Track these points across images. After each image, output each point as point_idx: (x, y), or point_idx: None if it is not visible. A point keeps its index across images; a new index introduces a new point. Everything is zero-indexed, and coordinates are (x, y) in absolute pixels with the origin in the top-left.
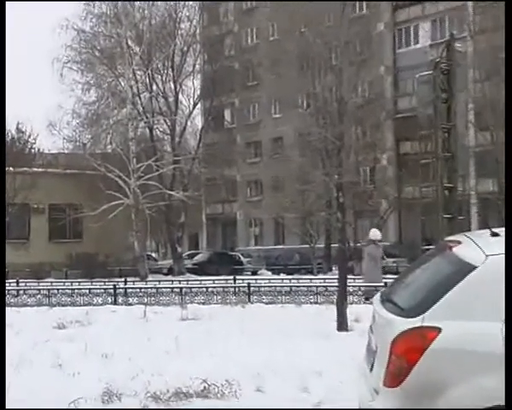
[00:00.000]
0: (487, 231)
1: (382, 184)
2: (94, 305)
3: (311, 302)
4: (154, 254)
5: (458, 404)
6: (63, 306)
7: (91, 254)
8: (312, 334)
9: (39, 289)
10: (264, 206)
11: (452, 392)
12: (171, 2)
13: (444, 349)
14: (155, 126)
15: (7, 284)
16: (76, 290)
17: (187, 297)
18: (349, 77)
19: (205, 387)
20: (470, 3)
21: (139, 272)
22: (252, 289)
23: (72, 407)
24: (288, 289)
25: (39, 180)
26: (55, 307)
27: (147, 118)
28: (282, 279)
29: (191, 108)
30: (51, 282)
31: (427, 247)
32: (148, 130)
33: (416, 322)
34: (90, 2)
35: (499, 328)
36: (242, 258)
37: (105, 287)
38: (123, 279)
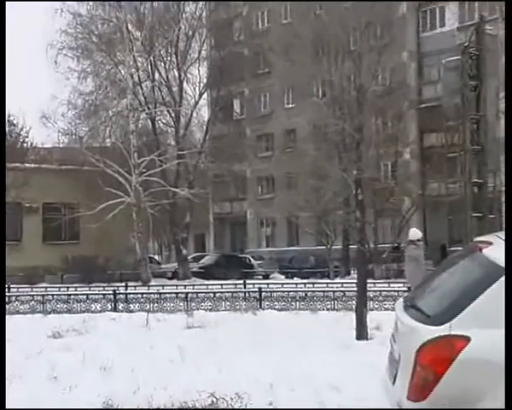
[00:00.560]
0: None
1: (405, 180)
2: (92, 312)
3: (327, 309)
4: (156, 257)
5: None
6: (59, 313)
7: (89, 257)
8: (329, 343)
9: (33, 295)
10: (277, 204)
11: (482, 406)
12: None
13: (473, 360)
14: (158, 118)
15: None
16: (72, 296)
17: (193, 303)
18: (369, 63)
19: (213, 401)
20: None
21: (141, 277)
22: (263, 294)
23: None
24: (303, 294)
25: (32, 177)
26: (49, 315)
27: (149, 109)
28: (296, 284)
29: (197, 97)
30: (46, 287)
31: (454, 248)
32: (150, 122)
33: (442, 330)
34: None
35: None
36: (253, 261)
37: (104, 292)
38: (123, 284)
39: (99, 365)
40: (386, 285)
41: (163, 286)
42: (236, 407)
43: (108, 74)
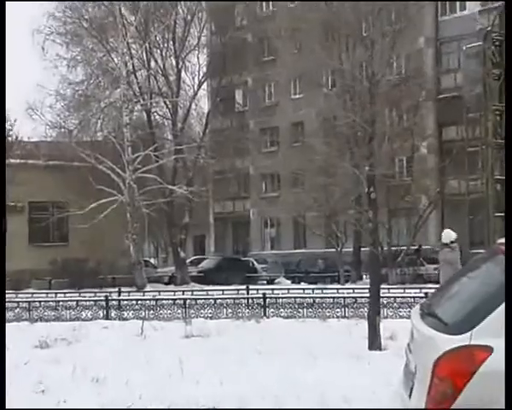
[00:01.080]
0: None
1: (422, 176)
2: (82, 320)
3: (337, 316)
4: (152, 261)
5: None
6: (46, 321)
7: (79, 261)
8: (339, 354)
9: (18, 302)
10: (282, 203)
11: None
12: None
13: (496, 373)
14: (154, 110)
15: None
16: (61, 303)
17: (191, 311)
18: (382, 50)
19: None
20: None
21: (135, 282)
22: (268, 300)
23: None
24: (311, 300)
25: (17, 174)
26: (36, 323)
27: (144, 100)
28: (304, 289)
29: (196, 88)
30: (32, 293)
31: (475, 251)
32: (145, 114)
33: (462, 340)
34: None
35: None
36: (256, 264)
37: (95, 299)
38: (116, 290)
39: (90, 377)
40: (402, 291)
41: (159, 292)
42: None
43: (100, 62)
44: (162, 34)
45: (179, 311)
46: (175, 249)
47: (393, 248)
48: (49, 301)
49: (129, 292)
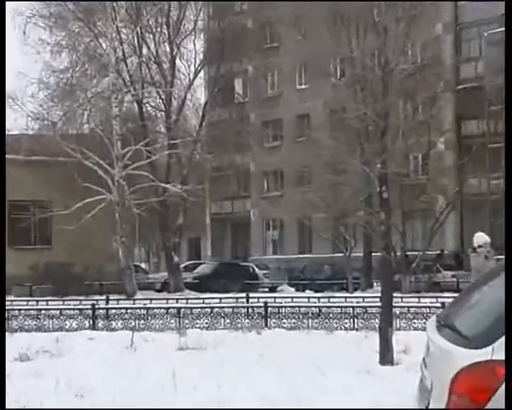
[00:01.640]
0: None
1: (439, 175)
2: (67, 330)
3: (345, 328)
4: (143, 266)
5: None
6: (27, 331)
7: (63, 265)
8: (348, 369)
9: None
10: (286, 203)
11: None
12: None
13: None
14: (146, 100)
15: None
16: (43, 311)
17: (186, 321)
18: (396, 37)
19: None
20: None
21: (125, 289)
22: (269, 310)
23: None
24: (317, 310)
25: None
26: (16, 333)
27: (135, 89)
28: (309, 298)
29: (192, 76)
30: (11, 300)
31: (497, 257)
32: (136, 105)
33: (483, 354)
34: None
35: None
36: (257, 270)
37: (81, 307)
38: (104, 297)
39: (74, 393)
40: (416, 300)
41: (151, 300)
42: None
43: (87, 48)
44: (155, 18)
45: (172, 321)
46: (168, 253)
47: (408, 254)
48: (30, 310)
49: (118, 300)
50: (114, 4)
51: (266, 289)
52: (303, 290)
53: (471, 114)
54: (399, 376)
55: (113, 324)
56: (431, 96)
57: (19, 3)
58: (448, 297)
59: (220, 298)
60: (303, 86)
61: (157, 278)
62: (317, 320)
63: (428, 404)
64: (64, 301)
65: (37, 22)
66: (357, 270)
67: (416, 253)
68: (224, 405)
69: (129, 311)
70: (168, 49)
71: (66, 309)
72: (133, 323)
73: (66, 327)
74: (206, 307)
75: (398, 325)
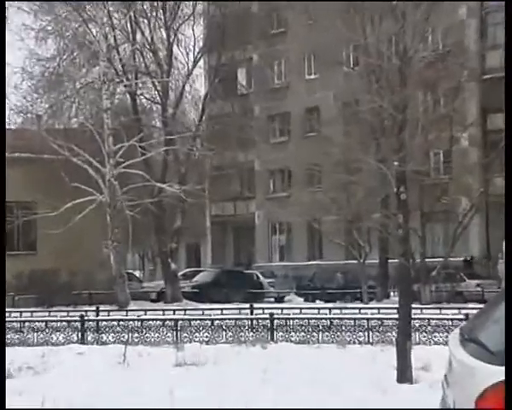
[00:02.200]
0: None
1: (462, 173)
2: (53, 344)
3: (359, 342)
4: (137, 273)
5: None
6: (9, 346)
7: (49, 272)
8: (363, 387)
9: None
10: (294, 205)
11: None
12: None
13: None
14: (140, 92)
15: None
16: (27, 324)
17: (184, 334)
18: (415, 22)
19: None
20: None
21: (117, 298)
22: (276, 322)
23: None
24: (328, 322)
25: None
26: None
27: (128, 80)
28: (319, 309)
29: (190, 66)
30: None
31: None
32: (129, 97)
33: None
34: None
35: None
36: (262, 278)
37: (69, 319)
38: (94, 308)
39: None
40: (437, 312)
41: (145, 311)
42: None
43: (75, 34)
44: (150, 1)
45: (169, 334)
46: (164, 260)
47: (428, 260)
48: (12, 322)
49: (109, 311)
50: None
51: (272, 300)
52: (312, 301)
53: (498, 106)
54: (419, 395)
55: (104, 337)
56: (453, 86)
57: None
58: (472, 308)
59: (221, 309)
60: (312, 76)
61: (152, 287)
62: (327, 333)
63: None
64: (50, 312)
65: (21, 6)
66: (373, 278)
67: (437, 259)
68: None
69: (121, 323)
70: (164, 35)
71: (52, 321)
72: (126, 336)
73: (53, 341)
74: (206, 319)
75: (417, 339)
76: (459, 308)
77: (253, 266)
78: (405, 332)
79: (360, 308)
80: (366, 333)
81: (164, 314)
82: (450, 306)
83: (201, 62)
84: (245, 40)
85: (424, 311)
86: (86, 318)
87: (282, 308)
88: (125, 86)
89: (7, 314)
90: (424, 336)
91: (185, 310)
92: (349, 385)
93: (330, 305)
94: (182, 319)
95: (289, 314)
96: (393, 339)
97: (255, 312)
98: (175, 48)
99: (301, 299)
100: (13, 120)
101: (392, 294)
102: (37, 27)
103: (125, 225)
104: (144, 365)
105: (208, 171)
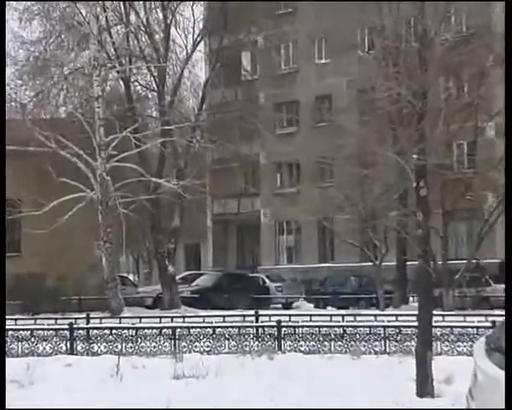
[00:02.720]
0: None
1: (488, 167)
2: (39, 355)
3: (375, 352)
4: (132, 277)
5: None
6: None
7: (35, 277)
8: (379, 402)
9: None
10: (303, 202)
11: None
12: None
13: None
14: (134, 78)
15: None
16: (11, 332)
17: (183, 343)
18: (437, 2)
19: None
20: None
21: (109, 305)
22: (284, 330)
23: None
24: (340, 331)
25: None
26: None
27: (121, 65)
28: (331, 316)
29: (189, 49)
30: None
31: None
32: (122, 83)
33: None
34: None
35: None
36: (269, 282)
37: (56, 327)
38: (84, 315)
39: None
40: (461, 319)
41: (140, 318)
42: None
43: (63, 15)
44: None
45: (167, 343)
46: (161, 262)
47: (450, 263)
48: None
49: (100, 318)
50: None
51: (279, 306)
52: (324, 307)
53: None
54: None
55: (96, 347)
56: (479, 72)
57: None
58: (499, 315)
59: (224, 316)
60: (323, 61)
61: (148, 292)
62: (340, 343)
63: None
64: (36, 320)
65: None
66: (390, 282)
67: (461, 262)
68: None
69: (114, 332)
70: (161, 16)
71: (38, 330)
72: (119, 346)
73: (39, 351)
74: (206, 327)
75: (438, 349)
76: (485, 315)
77: (259, 269)
78: (426, 341)
79: (376, 315)
80: (382, 342)
81: (161, 322)
82: (475, 312)
83: (201, 46)
84: (249, 21)
85: (446, 318)
86: (75, 326)
87: (290, 315)
88: (118, 72)
89: None
90: (446, 346)
91: (184, 317)
92: (364, 399)
93: (343, 312)
94: (180, 327)
95: (298, 322)
96: (412, 349)
97: (261, 319)
98: (172, 30)
99: (311, 305)
100: None
101: (411, 299)
102: (21, 8)
103: (119, 225)
104: (139, 377)
105: (209, 165)
